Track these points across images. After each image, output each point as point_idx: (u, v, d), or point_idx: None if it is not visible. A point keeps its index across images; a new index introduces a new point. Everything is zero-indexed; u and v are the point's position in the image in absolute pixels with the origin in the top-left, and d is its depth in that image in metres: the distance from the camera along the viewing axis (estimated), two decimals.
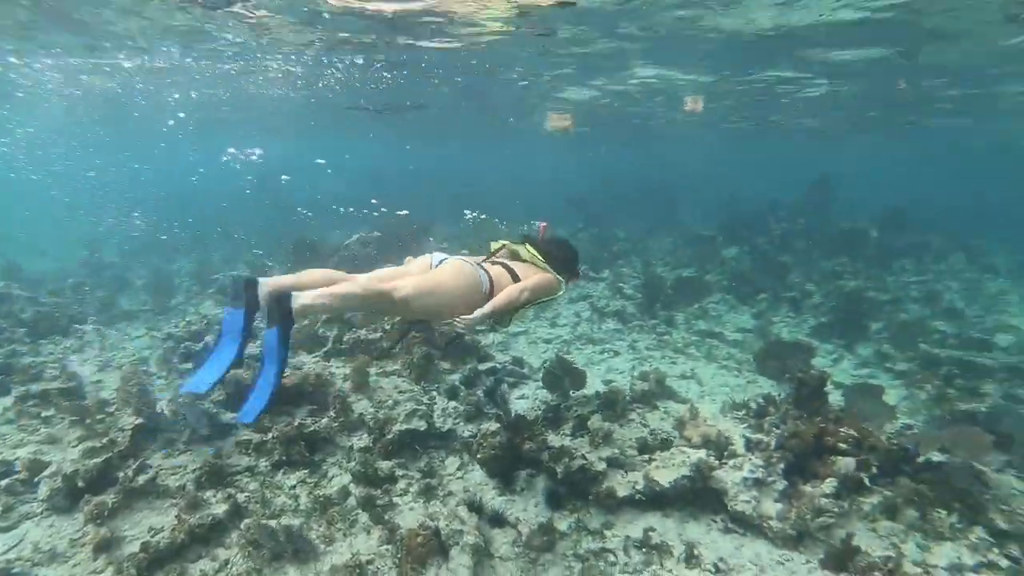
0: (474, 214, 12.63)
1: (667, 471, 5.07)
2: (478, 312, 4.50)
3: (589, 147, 35.04)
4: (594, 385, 7.79)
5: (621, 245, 15.22)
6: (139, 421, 5.81)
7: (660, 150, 31.88)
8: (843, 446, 5.30)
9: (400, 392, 7.56)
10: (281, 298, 3.98)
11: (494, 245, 5.38)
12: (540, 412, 6.66)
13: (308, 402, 6.96)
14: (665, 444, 5.68)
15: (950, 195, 26.67)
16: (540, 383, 7.36)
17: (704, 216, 18.90)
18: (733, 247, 14.33)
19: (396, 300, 4.22)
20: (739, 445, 5.53)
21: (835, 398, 7.99)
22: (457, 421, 6.75)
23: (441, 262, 4.77)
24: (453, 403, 7.21)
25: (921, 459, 5.46)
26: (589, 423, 6.29)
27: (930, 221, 17.13)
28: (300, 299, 3.95)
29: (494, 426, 6.14)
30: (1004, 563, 4.47)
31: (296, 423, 6.22)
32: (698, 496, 5.07)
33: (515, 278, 4.91)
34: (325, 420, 6.57)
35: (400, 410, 6.69)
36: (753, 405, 6.61)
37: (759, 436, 5.68)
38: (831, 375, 8.83)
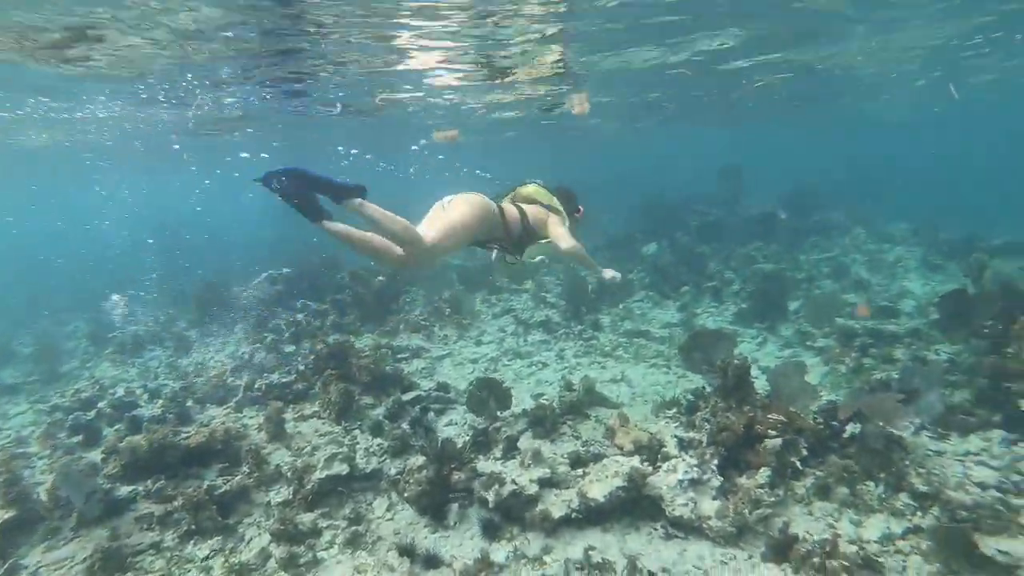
0: None
1: (601, 484, 4.95)
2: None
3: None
4: (524, 401, 7.65)
5: None
6: (9, 515, 5.17)
7: (569, 144, 32.19)
8: (772, 432, 5.35)
9: (320, 435, 7.17)
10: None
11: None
12: (468, 438, 6.44)
13: (219, 460, 6.46)
14: (598, 456, 5.58)
15: (843, 171, 28.32)
16: (468, 407, 7.12)
17: (622, 213, 19.16)
18: (652, 243, 14.60)
19: (427, 246, 4.73)
20: (672, 446, 5.50)
21: (764, 383, 8.19)
22: (383, 458, 6.42)
23: (450, 201, 5.22)
24: (378, 440, 6.88)
25: (846, 433, 5.61)
26: (519, 443, 6.14)
27: (830, 198, 18.05)
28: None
29: (420, 460, 5.87)
30: (927, 523, 4.60)
31: (205, 486, 5.74)
32: (635, 505, 4.99)
33: (523, 216, 5.57)
34: (238, 477, 6.11)
35: (320, 455, 6.30)
36: (684, 402, 6.63)
37: (691, 435, 5.67)
38: (757, 360, 9.17)
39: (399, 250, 4.67)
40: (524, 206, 5.69)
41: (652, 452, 5.46)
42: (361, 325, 10.80)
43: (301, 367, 8.10)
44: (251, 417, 7.51)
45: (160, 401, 8.01)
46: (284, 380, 7.90)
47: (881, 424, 5.29)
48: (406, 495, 5.52)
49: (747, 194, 18.38)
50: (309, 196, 4.42)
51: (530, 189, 5.92)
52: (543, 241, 5.65)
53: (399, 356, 9.37)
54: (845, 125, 30.10)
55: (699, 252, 13.61)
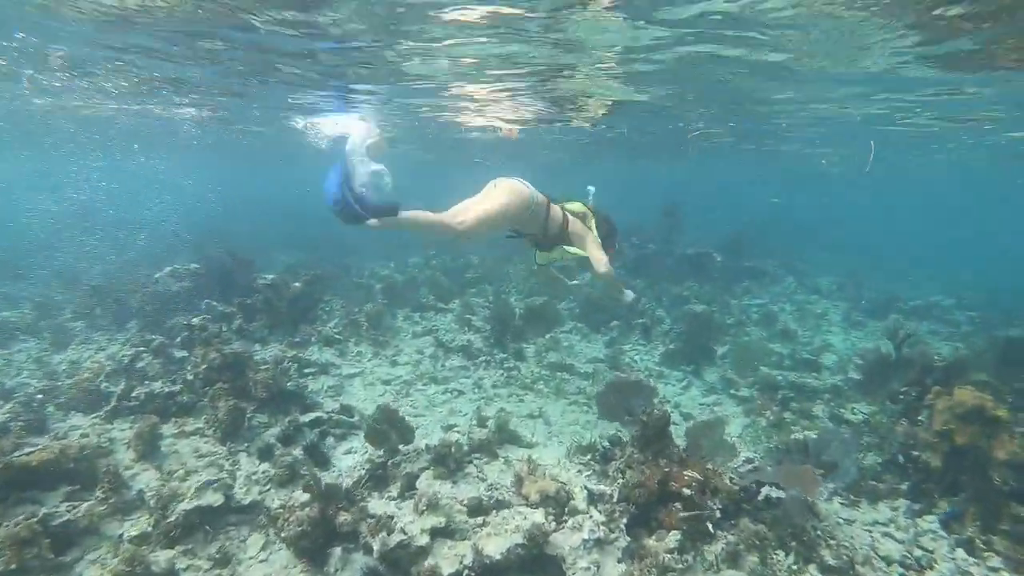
0: None
1: (499, 539, 4.57)
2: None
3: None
4: (432, 433, 7.22)
5: (475, 272, 14.87)
6: None
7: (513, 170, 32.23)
8: (687, 491, 5.12)
9: (199, 456, 6.46)
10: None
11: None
12: (364, 472, 5.94)
13: (68, 482, 5.66)
14: (501, 503, 5.20)
15: (785, 216, 29.35)
16: (366, 438, 6.63)
17: None
18: (586, 272, 14.49)
19: (460, 232, 5.18)
20: (581, 499, 5.18)
21: (684, 428, 8.06)
22: (266, 488, 5.83)
23: (497, 183, 5.60)
24: (265, 466, 6.26)
25: (761, 497, 5.46)
26: (419, 482, 5.69)
27: (767, 243, 18.52)
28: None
29: (305, 496, 5.33)
30: None
31: (39, 515, 4.99)
32: (535, 564, 4.62)
33: (566, 220, 5.97)
34: (88, 504, 5.37)
35: (193, 481, 5.64)
36: (600, 448, 6.36)
37: (603, 487, 5.38)
38: (680, 405, 9.05)
39: (452, 220, 5.20)
40: (569, 215, 6.08)
41: (559, 505, 5.12)
42: (269, 333, 10.06)
43: (189, 376, 7.37)
44: (122, 430, 6.73)
45: (9, 404, 7.05)
46: (168, 390, 7.14)
47: (797, 490, 5.16)
48: (284, 535, 4.97)
49: (687, 232, 18.66)
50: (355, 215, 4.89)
51: (578, 207, 6.29)
52: (573, 250, 6.00)
53: (306, 371, 8.73)
54: (788, 171, 31.28)
55: (632, 286, 13.58)
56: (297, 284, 10.52)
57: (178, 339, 8.71)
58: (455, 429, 7.40)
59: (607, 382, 8.10)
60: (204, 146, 22.96)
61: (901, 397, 6.82)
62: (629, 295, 6.32)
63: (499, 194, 5.46)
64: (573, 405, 8.42)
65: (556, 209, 5.87)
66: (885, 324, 13.54)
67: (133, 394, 7.15)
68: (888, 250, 24.91)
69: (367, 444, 6.24)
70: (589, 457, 6.34)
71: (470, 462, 6.13)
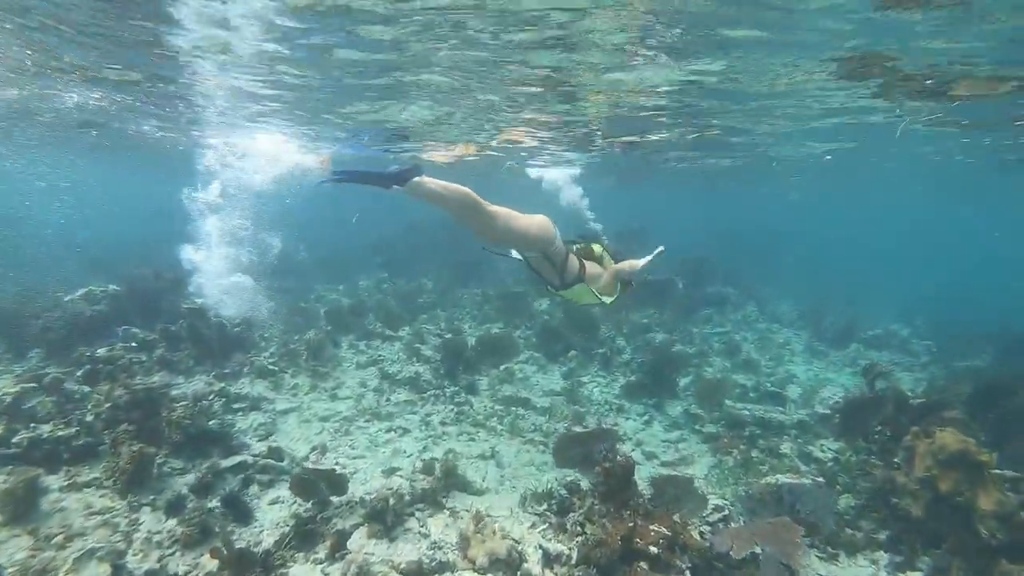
0: None
1: None
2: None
3: None
4: (371, 478, 6.52)
5: (427, 298, 14.18)
6: None
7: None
8: (654, 549, 4.57)
9: (91, 515, 5.60)
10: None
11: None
12: (289, 529, 5.20)
13: None
14: (444, 567, 4.54)
15: (748, 241, 29.49)
16: (293, 491, 5.88)
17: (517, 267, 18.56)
18: (544, 299, 14.00)
19: (487, 214, 5.13)
20: (535, 562, 4.60)
21: (648, 470, 7.55)
22: (169, 552, 5.03)
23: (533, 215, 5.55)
24: (171, 523, 5.46)
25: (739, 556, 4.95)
26: (351, 542, 4.99)
27: (728, 269, 18.36)
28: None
29: (212, 563, 4.57)
30: None
31: None
32: None
33: (583, 270, 5.92)
34: None
35: (75, 548, 4.82)
36: (557, 496, 5.77)
37: (559, 547, 4.79)
38: (642, 442, 8.51)
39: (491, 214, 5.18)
40: (587, 262, 6.08)
41: (511, 569, 4.52)
42: (195, 364, 9.18)
43: (89, 417, 6.49)
44: None
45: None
46: (61, 434, 6.25)
47: (776, 550, 4.65)
48: None
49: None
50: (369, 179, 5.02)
51: (598, 251, 6.42)
52: (583, 293, 5.94)
53: (234, 406, 7.92)
54: (752, 196, 31.52)
55: (591, 314, 13.14)
56: (231, 315, 9.70)
57: (79, 373, 7.76)
58: (398, 473, 6.72)
59: (564, 435, 7.49)
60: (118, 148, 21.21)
61: (876, 436, 6.46)
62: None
63: (537, 220, 5.50)
64: (528, 444, 7.82)
65: (573, 260, 5.94)
66: (846, 353, 13.50)
67: (14, 440, 6.22)
68: (845, 274, 25.23)
69: (294, 496, 5.51)
70: (545, 507, 5.75)
71: (411, 515, 5.47)
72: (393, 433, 7.82)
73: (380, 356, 10.29)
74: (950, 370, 12.04)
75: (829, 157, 14.11)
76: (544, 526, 5.32)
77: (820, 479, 6.50)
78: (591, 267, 6.11)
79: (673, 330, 12.76)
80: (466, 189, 5.08)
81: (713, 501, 6.13)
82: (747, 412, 9.02)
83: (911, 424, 6.36)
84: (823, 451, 7.97)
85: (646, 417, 9.26)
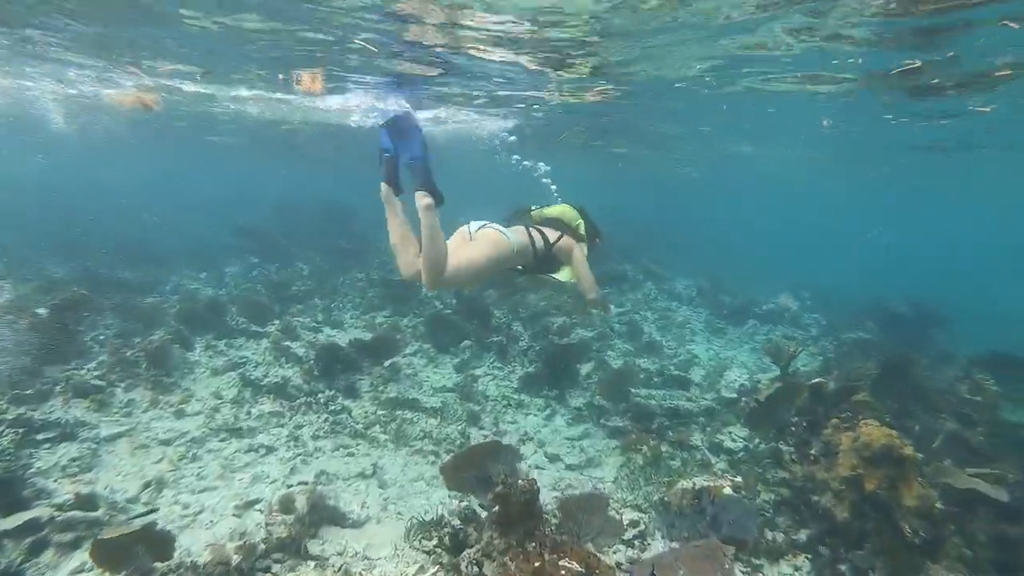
0: None
1: None
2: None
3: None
4: (220, 520, 5.35)
5: (302, 286, 12.72)
6: None
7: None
8: None
9: None
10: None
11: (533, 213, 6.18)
12: None
13: None
14: None
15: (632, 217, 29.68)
16: (95, 560, 4.61)
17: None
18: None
19: (445, 277, 4.72)
20: None
21: (553, 474, 6.85)
22: None
23: (479, 229, 5.34)
24: None
25: None
26: None
27: (631, 245, 18.11)
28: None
29: None
30: None
31: None
32: None
33: (547, 243, 5.66)
34: None
35: None
36: (449, 526, 4.89)
37: None
38: (544, 443, 7.78)
39: (417, 261, 4.84)
40: (549, 232, 5.79)
41: None
42: None
43: None
44: None
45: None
46: None
47: None
48: None
49: None
50: (400, 153, 4.84)
51: (558, 210, 6.13)
52: (563, 278, 5.76)
53: (38, 438, 6.34)
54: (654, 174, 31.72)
55: (485, 298, 12.31)
56: (41, 311, 7.94)
57: None
58: (257, 507, 5.58)
59: (455, 457, 6.52)
60: None
61: (793, 429, 6.08)
62: (611, 310, 6.77)
63: (482, 246, 5.14)
64: (417, 455, 6.88)
65: (537, 236, 5.62)
66: (744, 330, 13.57)
67: None
68: (739, 251, 26.00)
69: (100, 569, 4.25)
70: (435, 542, 4.86)
71: (268, 569, 4.40)
72: (254, 454, 6.57)
73: (242, 358, 8.83)
74: (840, 343, 12.35)
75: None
76: (435, 568, 4.44)
77: (737, 478, 6.07)
78: (561, 240, 5.77)
79: (572, 312, 12.22)
80: (444, 246, 4.80)
81: (628, 515, 5.51)
82: (654, 402, 8.57)
83: (828, 412, 6.06)
84: (733, 440, 7.64)
85: (547, 412, 8.58)
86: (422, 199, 4.56)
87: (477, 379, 9.34)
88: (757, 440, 7.40)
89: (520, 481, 4.43)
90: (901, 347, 10.11)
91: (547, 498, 5.93)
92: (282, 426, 7.21)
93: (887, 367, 7.51)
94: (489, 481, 4.97)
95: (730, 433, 7.79)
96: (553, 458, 7.21)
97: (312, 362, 8.65)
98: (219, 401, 7.58)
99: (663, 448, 7.35)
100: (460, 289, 5.14)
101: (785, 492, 5.92)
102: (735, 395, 8.89)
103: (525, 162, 8.74)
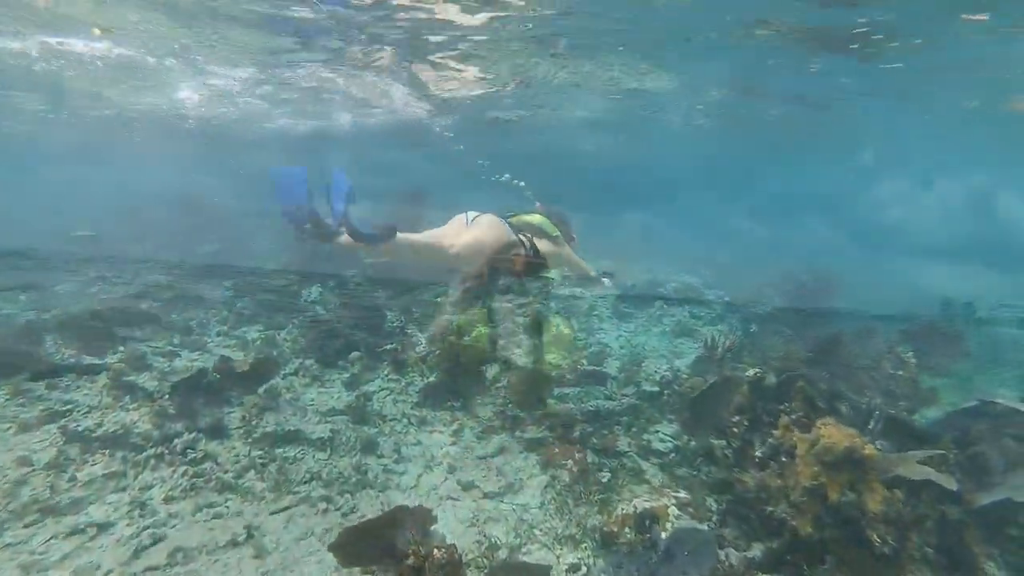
0: None
1: None
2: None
3: None
4: None
5: (155, 300, 10.83)
6: None
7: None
8: None
9: None
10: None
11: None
12: None
13: None
14: None
15: None
16: None
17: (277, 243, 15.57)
18: (315, 286, 11.57)
19: (451, 254, 5.33)
20: None
21: (469, 508, 5.87)
22: None
23: (475, 218, 5.75)
24: None
25: None
26: None
27: None
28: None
29: None
30: None
31: None
32: None
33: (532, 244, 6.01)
34: None
35: None
36: None
37: None
38: (455, 467, 6.69)
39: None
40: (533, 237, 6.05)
41: None
42: None
43: None
44: None
45: None
46: None
47: None
48: None
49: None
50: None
51: (538, 219, 6.20)
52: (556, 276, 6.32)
53: None
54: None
55: (374, 297, 11.07)
56: None
57: None
58: None
59: (346, 530, 5.21)
60: None
61: (734, 431, 5.46)
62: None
63: (484, 229, 5.55)
64: (304, 504, 5.66)
65: (524, 240, 5.89)
66: (652, 312, 13.20)
67: None
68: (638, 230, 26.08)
69: None
70: None
71: None
72: (79, 537, 5.05)
73: (68, 403, 7.02)
74: (746, 316, 12.25)
75: None
76: None
77: (680, 493, 5.39)
78: (542, 246, 5.98)
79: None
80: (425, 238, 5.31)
81: (567, 557, 4.66)
82: (572, 404, 7.81)
83: (769, 410, 5.50)
84: (663, 440, 7.02)
85: (455, 427, 7.58)
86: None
87: (371, 396, 8.15)
88: (688, 439, 6.84)
89: (436, 551, 3.43)
90: (814, 321, 10.08)
91: (466, 544, 4.99)
92: (123, 490, 5.65)
93: (816, 349, 7.20)
94: (395, 550, 3.92)
95: (658, 433, 7.18)
96: (468, 485, 6.24)
97: (166, 398, 7.10)
98: (28, 469, 5.82)
99: (589, 459, 6.60)
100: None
101: (728, 499, 5.36)
102: (657, 388, 8.32)
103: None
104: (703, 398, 6.14)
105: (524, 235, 5.91)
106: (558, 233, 6.17)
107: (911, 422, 6.46)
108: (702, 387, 6.28)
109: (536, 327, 10.09)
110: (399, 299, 11.26)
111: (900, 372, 7.24)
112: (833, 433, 4.40)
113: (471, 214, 5.67)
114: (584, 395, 8.19)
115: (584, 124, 17.32)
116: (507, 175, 8.50)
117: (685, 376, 8.55)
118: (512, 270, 5.90)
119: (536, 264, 5.89)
